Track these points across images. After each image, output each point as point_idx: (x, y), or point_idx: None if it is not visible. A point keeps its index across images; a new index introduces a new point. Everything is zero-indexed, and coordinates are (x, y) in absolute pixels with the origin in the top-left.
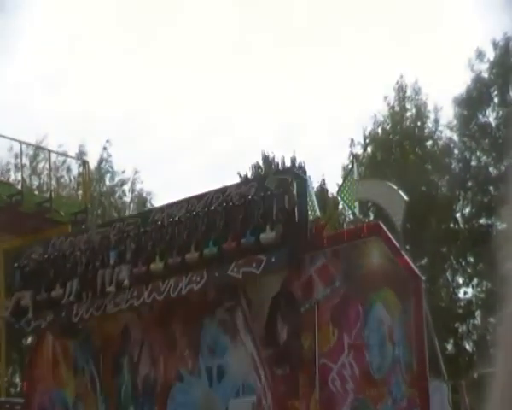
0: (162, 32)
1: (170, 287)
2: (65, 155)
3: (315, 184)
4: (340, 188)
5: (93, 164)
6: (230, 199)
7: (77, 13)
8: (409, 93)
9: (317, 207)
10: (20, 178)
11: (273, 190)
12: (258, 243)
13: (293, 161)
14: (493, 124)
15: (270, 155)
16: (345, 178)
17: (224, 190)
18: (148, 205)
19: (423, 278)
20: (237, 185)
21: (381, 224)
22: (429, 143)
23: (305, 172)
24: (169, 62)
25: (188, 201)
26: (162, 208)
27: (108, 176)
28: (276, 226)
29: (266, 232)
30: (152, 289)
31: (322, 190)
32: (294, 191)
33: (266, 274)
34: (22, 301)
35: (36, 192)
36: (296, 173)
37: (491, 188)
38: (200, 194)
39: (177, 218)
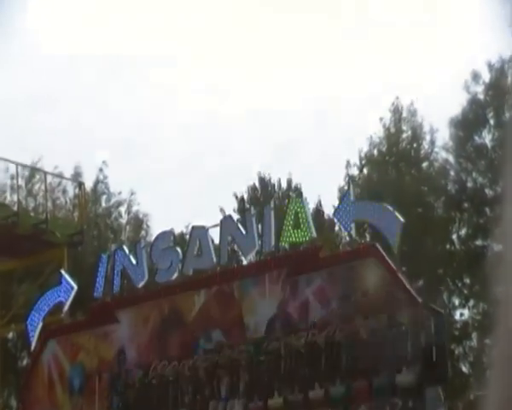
0: (156, 51)
1: None
2: (60, 176)
3: (311, 205)
4: (336, 209)
5: (89, 185)
6: (357, 332)
7: (72, 31)
8: (404, 115)
9: (313, 229)
10: (15, 199)
11: (406, 325)
12: (393, 384)
13: (289, 182)
14: (489, 145)
15: (267, 177)
16: (341, 199)
17: (348, 321)
18: (145, 226)
19: (420, 299)
20: (364, 317)
21: (378, 245)
22: (425, 164)
23: (300, 193)
24: (164, 82)
25: (307, 330)
26: (277, 337)
27: (104, 197)
28: (413, 367)
29: (402, 374)
30: None
31: (318, 211)
32: (431, 327)
33: None
34: None
35: (32, 214)
36: (433, 309)
37: (487, 209)
38: (322, 321)
39: (296, 348)
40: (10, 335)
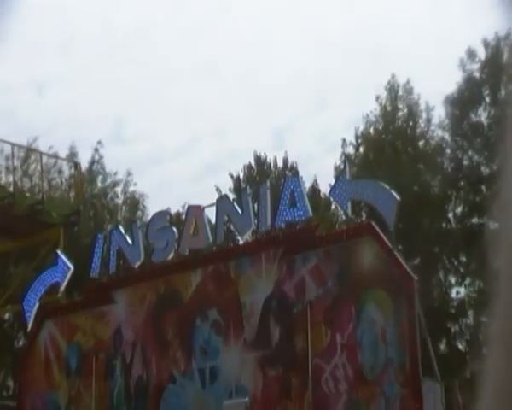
0: (155, 35)
1: None
2: (56, 156)
3: (307, 184)
4: (333, 188)
5: (84, 165)
6: None
7: (68, 14)
8: (401, 93)
9: (309, 208)
10: (11, 180)
11: None
12: None
13: (285, 161)
14: (485, 123)
15: (263, 156)
16: (337, 178)
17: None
18: (141, 206)
19: (416, 277)
20: None
21: (374, 224)
22: (421, 142)
23: (297, 172)
24: (161, 65)
25: None
26: None
27: (100, 178)
28: None
29: None
30: None
31: (315, 190)
32: None
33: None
34: None
35: (28, 194)
36: None
37: (483, 187)
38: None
39: None
40: (6, 316)
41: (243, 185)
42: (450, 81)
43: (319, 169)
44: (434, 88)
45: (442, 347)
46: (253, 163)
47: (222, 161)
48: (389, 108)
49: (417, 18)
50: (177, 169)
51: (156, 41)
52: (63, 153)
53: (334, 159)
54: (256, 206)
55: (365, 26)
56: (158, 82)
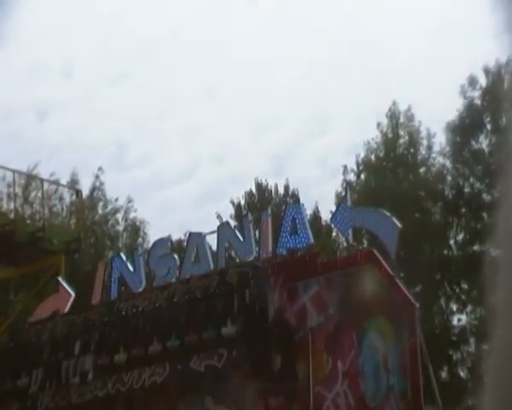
0: (155, 59)
1: (133, 378)
2: (57, 183)
3: (308, 211)
4: (334, 215)
5: (85, 192)
6: (193, 291)
7: (69, 38)
8: (402, 120)
9: (310, 235)
10: (12, 207)
11: (234, 284)
12: (220, 336)
13: (286, 188)
14: (486, 150)
15: (264, 183)
16: (338, 205)
17: (186, 282)
18: (142, 233)
19: (417, 305)
20: (199, 277)
21: (375, 251)
22: (422, 169)
23: (298, 199)
24: (161, 89)
25: (151, 292)
26: (127, 298)
27: (101, 204)
28: (237, 321)
29: (227, 326)
30: (116, 381)
31: (316, 217)
32: (255, 286)
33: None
34: None
35: (28, 221)
36: (255, 265)
37: (484, 214)
38: (164, 285)
39: (140, 309)
40: None
41: (244, 212)
42: (451, 108)
43: (320, 194)
44: (435, 115)
45: (444, 374)
46: (253, 190)
47: (222, 186)
48: (390, 136)
49: (417, 43)
50: (177, 195)
51: (156, 65)
52: (64, 179)
53: (335, 185)
54: (257, 233)
55: (365, 49)
56: (158, 106)
